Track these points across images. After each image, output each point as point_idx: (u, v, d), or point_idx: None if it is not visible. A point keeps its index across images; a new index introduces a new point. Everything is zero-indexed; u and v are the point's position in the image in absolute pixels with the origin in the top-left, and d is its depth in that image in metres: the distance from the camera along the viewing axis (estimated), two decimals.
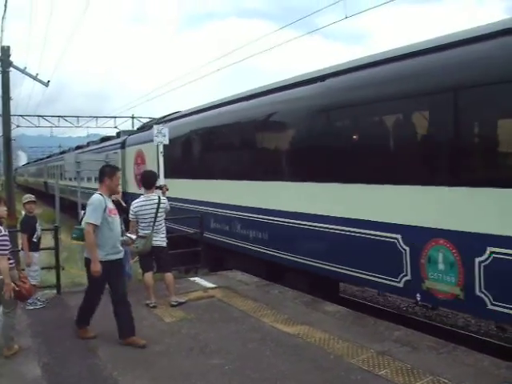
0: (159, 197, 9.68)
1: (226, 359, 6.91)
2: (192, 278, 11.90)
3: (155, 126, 13.09)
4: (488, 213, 6.99)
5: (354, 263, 9.27)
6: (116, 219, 7.95)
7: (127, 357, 7.21)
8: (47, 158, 64.19)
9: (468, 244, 7.22)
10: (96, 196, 7.73)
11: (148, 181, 9.88)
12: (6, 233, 7.42)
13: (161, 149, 12.79)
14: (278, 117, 11.73)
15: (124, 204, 10.46)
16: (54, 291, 10.91)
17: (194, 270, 12.63)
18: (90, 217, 7.61)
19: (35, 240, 9.91)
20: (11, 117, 41.47)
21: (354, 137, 9.65)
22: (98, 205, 7.61)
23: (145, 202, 9.59)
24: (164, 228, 9.77)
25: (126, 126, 51.31)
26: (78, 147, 39.89)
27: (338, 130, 10.04)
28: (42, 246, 10.66)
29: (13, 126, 45.13)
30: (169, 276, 9.69)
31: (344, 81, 9.76)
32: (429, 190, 7.88)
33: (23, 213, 10.37)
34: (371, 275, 8.92)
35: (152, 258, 9.78)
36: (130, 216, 9.72)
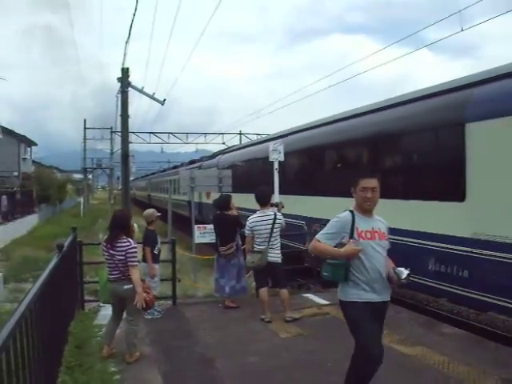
0: (275, 213, 9.77)
1: (344, 376, 6.82)
2: (305, 295, 11.88)
3: (270, 143, 13.19)
4: None
5: None
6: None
7: (244, 370, 7.28)
8: (152, 174, 73.59)
9: None
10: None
11: (263, 197, 9.98)
12: (136, 245, 7.79)
13: (276, 165, 12.88)
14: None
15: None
16: (170, 302, 11.19)
17: (306, 287, 12.60)
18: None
19: (156, 252, 10.27)
20: None
21: None
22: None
23: (261, 218, 9.70)
24: (279, 244, 9.81)
25: (235, 141, 52.11)
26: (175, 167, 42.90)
27: None
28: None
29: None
30: (284, 292, 9.72)
31: None
32: None
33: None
34: None
35: (267, 274, 9.85)
36: (246, 232, 9.86)
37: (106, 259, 7.81)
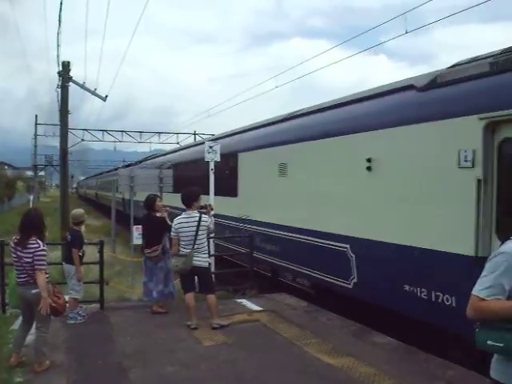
0: (200, 215, 9.31)
1: None
2: (239, 300, 11.46)
3: (206, 143, 12.85)
4: None
5: None
6: None
7: (158, 382, 6.84)
8: (99, 174, 74.34)
9: None
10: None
11: (187, 198, 9.53)
12: (45, 247, 7.29)
13: (212, 166, 12.50)
14: None
15: (169, 222, 10.12)
16: (98, 306, 10.68)
17: (241, 291, 12.20)
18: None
19: (81, 254, 9.75)
20: (77, 130, 42.41)
21: None
22: None
23: (186, 220, 9.26)
24: (206, 247, 9.41)
25: (190, 141, 51.56)
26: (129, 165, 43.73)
27: None
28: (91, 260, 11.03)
29: (77, 140, 46.41)
30: (211, 298, 9.29)
31: None
32: None
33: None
34: None
35: (193, 278, 9.42)
36: (172, 234, 9.41)
37: (14, 261, 7.31)
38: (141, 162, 36.98)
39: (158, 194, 13.49)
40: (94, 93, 21.41)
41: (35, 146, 63.96)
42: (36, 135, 62.42)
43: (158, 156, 33.42)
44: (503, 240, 3.60)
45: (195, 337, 8.73)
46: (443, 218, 7.83)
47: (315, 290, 12.41)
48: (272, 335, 8.85)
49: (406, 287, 8.34)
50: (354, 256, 9.67)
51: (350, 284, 9.78)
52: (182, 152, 25.79)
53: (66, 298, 9.10)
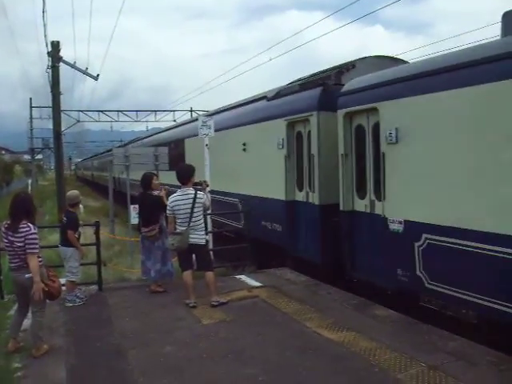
0: (196, 191, 9.17)
1: (261, 369, 6.35)
2: (238, 276, 11.40)
3: (200, 118, 12.68)
4: None
5: None
6: None
7: (157, 362, 6.76)
8: (95, 155, 76.20)
9: None
10: None
11: (183, 175, 9.39)
12: (36, 231, 7.17)
13: (206, 141, 12.31)
14: None
15: (166, 202, 9.98)
16: (96, 287, 10.59)
17: (241, 268, 12.09)
18: None
19: (76, 236, 9.63)
20: (72, 112, 42.15)
21: None
22: None
23: (181, 197, 9.12)
24: (202, 225, 9.29)
25: (186, 118, 51.22)
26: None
27: None
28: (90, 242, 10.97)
29: (73, 121, 46.13)
30: (209, 275, 9.20)
31: None
32: None
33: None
34: None
35: (190, 256, 9.33)
36: (168, 211, 9.28)
37: (6, 246, 7.19)
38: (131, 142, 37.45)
39: (155, 172, 13.28)
40: (85, 72, 21.13)
41: (31, 130, 63.51)
42: (31, 118, 61.92)
43: (143, 138, 35.84)
44: None
45: (194, 315, 8.66)
46: (275, 179, 12.63)
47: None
48: (272, 311, 8.77)
49: (262, 223, 13.34)
50: (240, 206, 14.36)
51: (241, 224, 13.74)
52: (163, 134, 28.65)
53: (63, 281, 9.02)
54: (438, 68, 8.04)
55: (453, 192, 7.68)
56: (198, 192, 9.22)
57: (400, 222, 8.73)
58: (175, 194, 9.21)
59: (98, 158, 62.41)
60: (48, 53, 19.80)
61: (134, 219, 13.59)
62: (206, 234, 9.76)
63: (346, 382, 5.96)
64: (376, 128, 9.42)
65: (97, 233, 10.66)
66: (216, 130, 12.79)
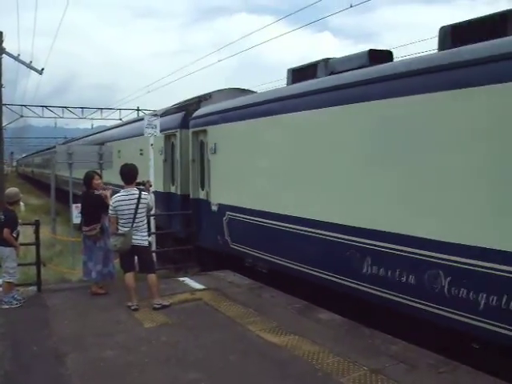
0: (140, 192, 9.02)
1: (203, 373, 6.26)
2: (181, 279, 11.25)
3: (146, 117, 12.58)
4: None
5: None
6: None
7: (97, 367, 6.57)
8: (36, 152, 77.67)
9: None
10: None
11: (127, 174, 9.23)
12: None
13: (151, 141, 12.18)
14: None
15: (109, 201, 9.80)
16: (35, 288, 10.30)
17: (184, 270, 11.99)
18: None
19: (14, 235, 9.36)
20: (15, 107, 41.12)
21: None
22: None
23: (124, 197, 8.95)
24: (145, 226, 9.16)
25: (132, 117, 50.60)
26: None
27: None
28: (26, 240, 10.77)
29: (16, 116, 45.05)
30: (151, 277, 9.06)
31: None
32: None
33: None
34: None
35: (133, 257, 9.17)
36: (110, 212, 9.09)
37: None
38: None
39: (98, 170, 13.05)
40: (29, 65, 20.64)
41: None
42: None
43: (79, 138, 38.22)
44: None
45: (136, 318, 8.50)
46: (159, 177, 15.22)
47: None
48: (214, 314, 8.69)
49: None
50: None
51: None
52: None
53: None
54: (232, 107, 12.33)
55: (238, 185, 11.95)
56: (143, 192, 9.07)
57: (216, 205, 12.75)
58: (118, 194, 9.04)
59: (39, 155, 63.18)
60: None
61: (77, 218, 13.31)
62: (149, 235, 9.61)
63: None
64: (207, 143, 13.38)
65: (36, 232, 10.37)
66: (126, 138, 17.48)
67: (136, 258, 9.27)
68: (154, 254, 10.73)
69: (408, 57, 11.59)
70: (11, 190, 10.03)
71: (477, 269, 6.37)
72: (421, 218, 7.28)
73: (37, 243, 10.39)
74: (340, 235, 8.68)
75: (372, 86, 8.13)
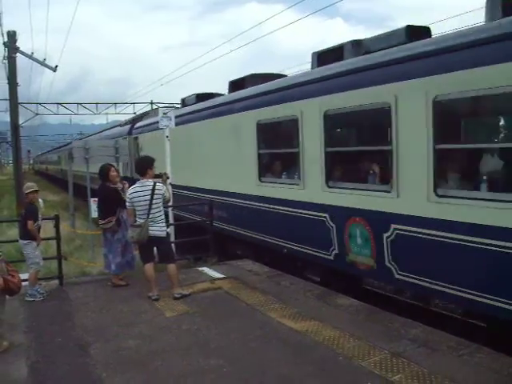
0: (154, 183, 9.08)
1: (225, 360, 6.34)
2: (200, 268, 11.33)
3: (160, 110, 12.64)
4: None
5: None
6: None
7: (120, 356, 6.68)
8: (50, 150, 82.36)
9: None
10: None
11: (141, 166, 9.33)
12: None
13: (167, 133, 12.24)
14: None
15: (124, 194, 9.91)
16: (57, 282, 10.43)
17: (203, 260, 12.06)
18: None
19: (36, 228, 9.45)
20: (30, 104, 41.39)
21: None
22: None
23: (139, 189, 9.04)
24: (162, 217, 9.22)
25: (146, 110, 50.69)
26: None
27: None
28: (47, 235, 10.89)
29: (32, 114, 45.32)
30: (171, 267, 9.14)
31: None
32: None
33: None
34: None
35: (151, 248, 9.27)
36: (127, 204, 9.20)
37: None
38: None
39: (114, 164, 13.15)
40: (43, 63, 20.78)
41: None
42: None
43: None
44: None
45: (157, 308, 8.60)
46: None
47: None
48: (235, 302, 8.76)
49: None
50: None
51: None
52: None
53: (23, 276, 8.86)
54: (145, 124, 20.32)
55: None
56: (157, 184, 9.13)
57: None
58: (134, 186, 9.13)
59: (52, 153, 69.97)
60: (4, 43, 19.38)
61: (95, 212, 13.43)
62: (167, 226, 9.69)
63: (311, 371, 5.97)
64: (137, 144, 20.60)
65: (57, 226, 10.48)
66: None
67: (155, 248, 9.36)
68: (172, 245, 10.77)
69: None
70: (27, 184, 10.10)
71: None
72: (235, 183, 12.76)
73: (57, 237, 10.49)
74: (217, 196, 13.57)
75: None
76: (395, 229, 7.90)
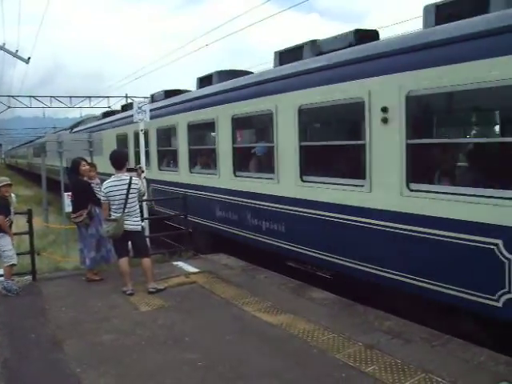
0: (131, 177, 9.04)
1: (200, 353, 6.34)
2: (175, 263, 11.30)
3: (135, 103, 12.53)
4: None
5: None
6: None
7: (94, 351, 6.64)
8: (19, 146, 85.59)
9: None
10: None
11: (118, 160, 9.24)
12: None
13: (141, 126, 12.17)
14: None
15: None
16: (30, 278, 10.33)
17: (178, 254, 12.03)
18: None
19: (8, 223, 9.35)
20: (2, 97, 40.80)
21: None
22: None
23: (115, 183, 8.97)
24: (137, 211, 9.19)
25: (121, 104, 50.31)
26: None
27: None
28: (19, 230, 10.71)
29: (4, 107, 44.77)
30: (146, 261, 9.12)
31: None
32: None
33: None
34: None
35: (126, 243, 9.22)
36: (102, 198, 9.14)
37: None
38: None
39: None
40: (15, 54, 20.49)
41: None
42: None
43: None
44: None
45: (131, 302, 8.57)
46: None
47: None
48: (209, 296, 8.76)
49: None
50: None
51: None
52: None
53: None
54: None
55: None
56: (133, 178, 9.09)
57: None
58: (109, 180, 9.06)
59: (21, 148, 72.24)
60: None
61: (69, 207, 13.32)
62: (142, 220, 9.66)
63: (286, 363, 5.99)
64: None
65: (29, 221, 10.36)
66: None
67: (130, 243, 9.32)
68: (147, 239, 10.73)
69: None
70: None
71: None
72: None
73: (30, 232, 10.37)
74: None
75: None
76: None
